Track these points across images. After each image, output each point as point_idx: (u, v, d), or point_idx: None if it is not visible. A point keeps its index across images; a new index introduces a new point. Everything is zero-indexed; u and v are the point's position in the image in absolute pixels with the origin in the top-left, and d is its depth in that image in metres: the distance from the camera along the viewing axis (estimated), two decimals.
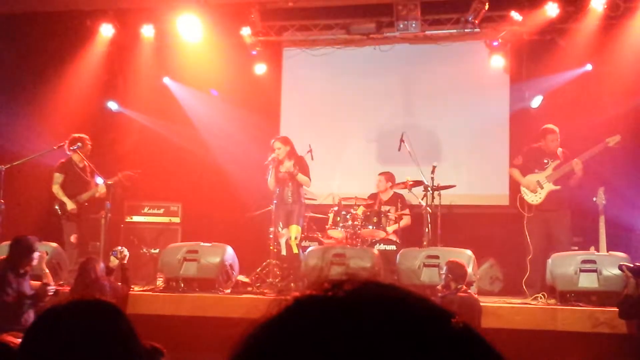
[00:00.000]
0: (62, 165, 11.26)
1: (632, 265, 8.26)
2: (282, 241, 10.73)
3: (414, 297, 0.97)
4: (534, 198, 10.26)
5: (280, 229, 10.79)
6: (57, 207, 11.18)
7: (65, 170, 11.24)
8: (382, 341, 0.89)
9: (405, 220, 11.31)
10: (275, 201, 10.84)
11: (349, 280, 0.98)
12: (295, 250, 10.54)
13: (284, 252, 10.68)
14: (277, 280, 10.22)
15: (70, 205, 11.08)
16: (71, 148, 10.88)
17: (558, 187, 10.17)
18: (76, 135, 11.25)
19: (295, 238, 10.69)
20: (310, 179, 10.93)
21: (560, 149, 10.37)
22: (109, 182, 10.77)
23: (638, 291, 8.13)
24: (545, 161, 10.34)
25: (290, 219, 10.83)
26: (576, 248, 10.26)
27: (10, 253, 8.57)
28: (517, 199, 10.44)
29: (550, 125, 10.39)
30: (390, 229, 11.02)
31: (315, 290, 0.97)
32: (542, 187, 10.23)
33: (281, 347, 0.92)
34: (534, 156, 10.46)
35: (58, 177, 11.19)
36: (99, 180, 11.05)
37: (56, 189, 11.19)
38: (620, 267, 8.48)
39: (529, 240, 10.14)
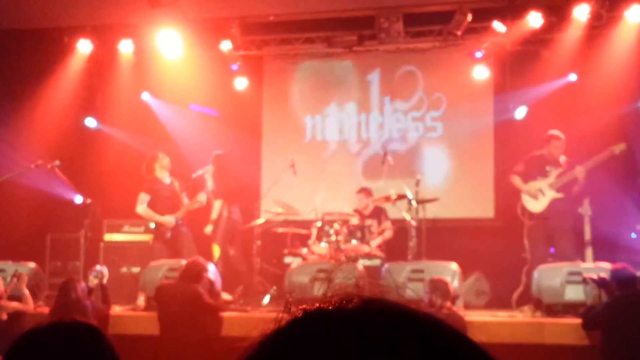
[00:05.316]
0: (147, 185, 10.77)
1: (595, 277, 8.23)
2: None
3: (420, 312, 1.00)
4: (535, 205, 10.02)
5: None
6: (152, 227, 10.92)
7: (151, 189, 10.75)
8: (391, 353, 0.91)
9: (389, 234, 11.23)
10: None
11: (356, 295, 1.01)
12: None
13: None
14: (261, 297, 10.14)
15: (169, 219, 10.62)
16: (49, 166, 10.63)
17: (561, 195, 9.98)
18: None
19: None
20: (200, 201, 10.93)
21: (563, 157, 10.19)
22: (88, 201, 10.60)
23: (601, 302, 8.10)
24: (547, 169, 10.13)
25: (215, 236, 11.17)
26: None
27: None
28: (518, 208, 10.22)
29: (555, 132, 10.22)
30: (374, 243, 10.94)
31: (323, 304, 0.99)
32: (543, 194, 10.00)
33: (288, 357, 0.93)
34: (535, 163, 10.22)
35: (143, 197, 10.66)
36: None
37: (142, 210, 10.68)
38: (584, 280, 8.47)
39: (528, 250, 9.97)
